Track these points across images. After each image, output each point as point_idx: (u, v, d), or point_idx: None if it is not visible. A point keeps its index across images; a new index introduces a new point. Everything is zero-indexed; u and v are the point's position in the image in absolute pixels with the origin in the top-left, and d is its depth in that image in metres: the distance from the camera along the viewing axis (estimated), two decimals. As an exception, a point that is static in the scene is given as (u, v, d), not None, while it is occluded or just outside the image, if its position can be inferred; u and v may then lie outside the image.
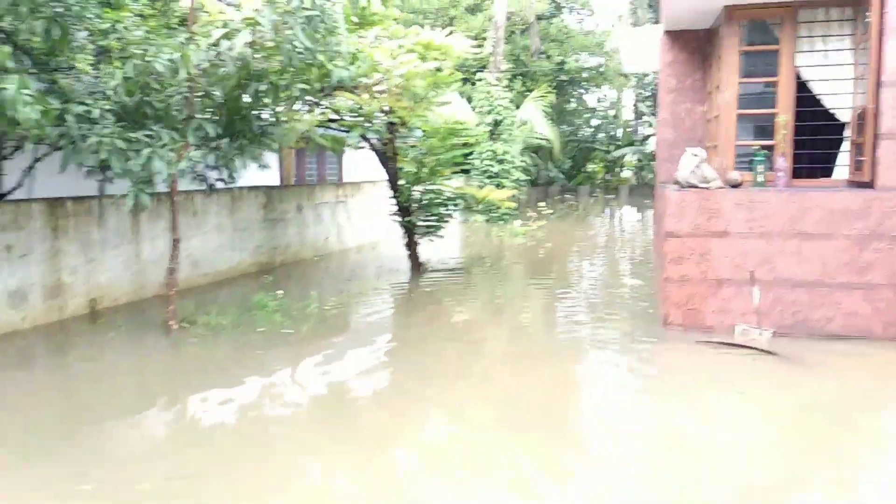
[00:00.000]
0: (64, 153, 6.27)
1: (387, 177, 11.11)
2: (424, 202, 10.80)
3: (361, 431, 4.79)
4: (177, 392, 5.68)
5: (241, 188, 10.76)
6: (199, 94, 6.71)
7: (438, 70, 10.06)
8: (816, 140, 7.18)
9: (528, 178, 21.50)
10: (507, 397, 5.44)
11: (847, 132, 7.06)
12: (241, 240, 10.90)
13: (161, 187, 7.09)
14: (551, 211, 20.95)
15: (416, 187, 10.79)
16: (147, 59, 6.03)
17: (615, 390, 5.67)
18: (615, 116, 36.69)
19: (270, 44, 6.72)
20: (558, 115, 28.61)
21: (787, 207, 6.70)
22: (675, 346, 6.63)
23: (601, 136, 35.79)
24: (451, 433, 4.80)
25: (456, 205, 11.00)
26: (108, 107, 6.35)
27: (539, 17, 22.94)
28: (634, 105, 33.21)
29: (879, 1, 6.29)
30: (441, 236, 11.41)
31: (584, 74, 26.51)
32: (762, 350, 6.35)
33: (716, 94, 7.79)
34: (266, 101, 7.60)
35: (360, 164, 16.48)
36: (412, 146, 10.70)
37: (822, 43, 7.00)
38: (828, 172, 7.23)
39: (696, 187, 6.98)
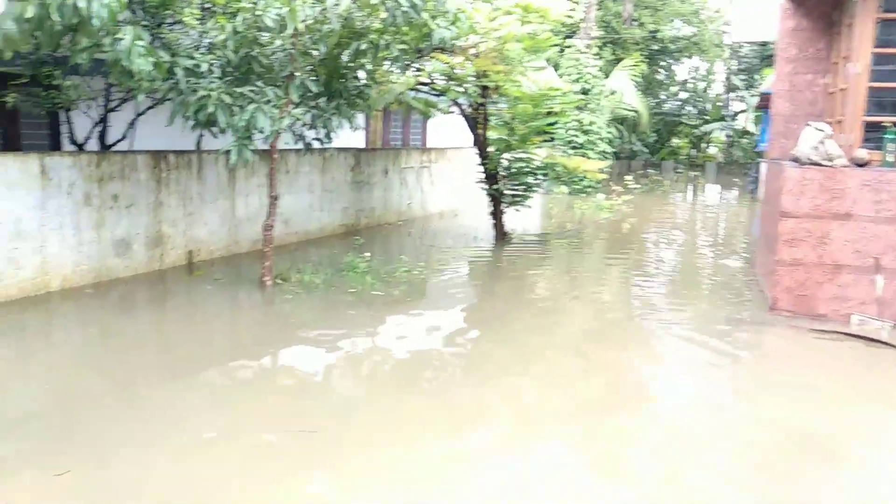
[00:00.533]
0: (173, 106, 6.34)
1: (474, 143, 10.92)
2: (513, 170, 10.55)
3: (453, 399, 4.70)
4: (277, 345, 5.74)
5: (331, 149, 10.77)
6: (301, 51, 6.65)
7: (535, 34, 9.75)
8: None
9: (613, 150, 20.83)
10: (601, 379, 5.25)
11: None
12: (330, 201, 10.95)
13: (257, 144, 7.13)
14: (637, 185, 20.30)
15: (504, 155, 10.55)
16: (257, 13, 5.98)
17: (722, 380, 5.38)
18: (704, 90, 35.15)
19: (375, 0, 6.58)
20: (647, 86, 27.60)
21: (922, 190, 6.16)
22: (785, 334, 6.25)
23: (688, 109, 34.40)
24: (536, 410, 4.65)
25: (545, 174, 10.71)
26: (214, 61, 6.37)
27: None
28: (727, 78, 31.65)
29: None
30: (528, 206, 11.17)
31: (678, 44, 25.35)
32: (883, 343, 5.92)
33: (842, 65, 7.22)
34: (364, 60, 7.49)
35: (444, 129, 16.34)
36: (504, 112, 10.43)
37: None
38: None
39: (819, 165, 6.50)
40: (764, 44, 30.84)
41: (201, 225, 8.56)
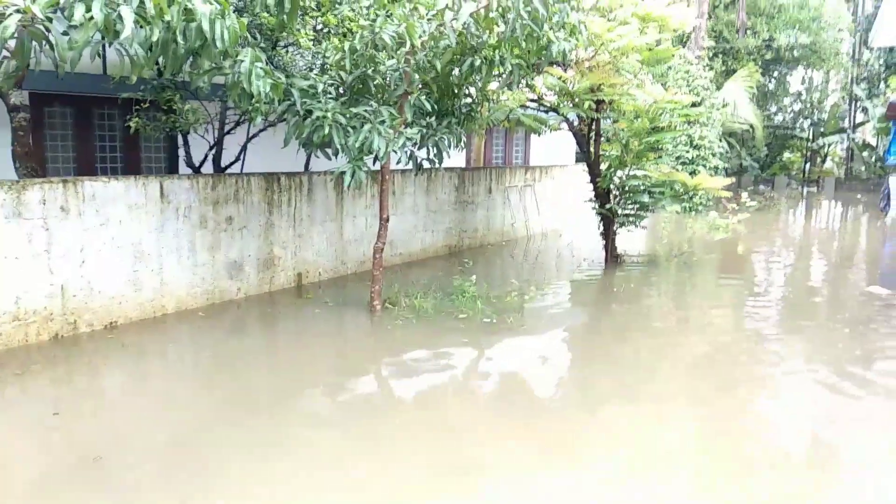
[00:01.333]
0: (287, 128, 6.26)
1: (584, 161, 10.45)
2: (627, 189, 9.99)
3: (556, 433, 4.27)
4: (396, 374, 5.50)
5: (436, 169, 10.57)
6: (415, 68, 6.44)
7: (657, 43, 9.22)
8: None
9: (725, 165, 19.76)
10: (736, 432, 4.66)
11: None
12: (434, 221, 10.74)
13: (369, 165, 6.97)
14: (751, 202, 19.13)
15: (619, 172, 10.00)
16: (375, 30, 5.81)
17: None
18: (820, 101, 33.05)
19: (493, 13, 6.29)
20: (761, 97, 26.21)
21: None
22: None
23: (802, 122, 32.41)
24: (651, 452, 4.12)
25: (662, 193, 10.06)
26: (329, 82, 6.25)
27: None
28: (846, 88, 29.59)
29: None
30: (643, 226, 10.57)
31: (795, 53, 23.82)
32: None
33: None
34: (477, 77, 7.21)
35: (546, 147, 15.92)
36: (618, 127, 9.91)
37: None
38: None
39: None
40: (891, 50, 28.72)
41: (310, 247, 8.50)
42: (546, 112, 10.81)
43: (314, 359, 5.92)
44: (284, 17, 6.02)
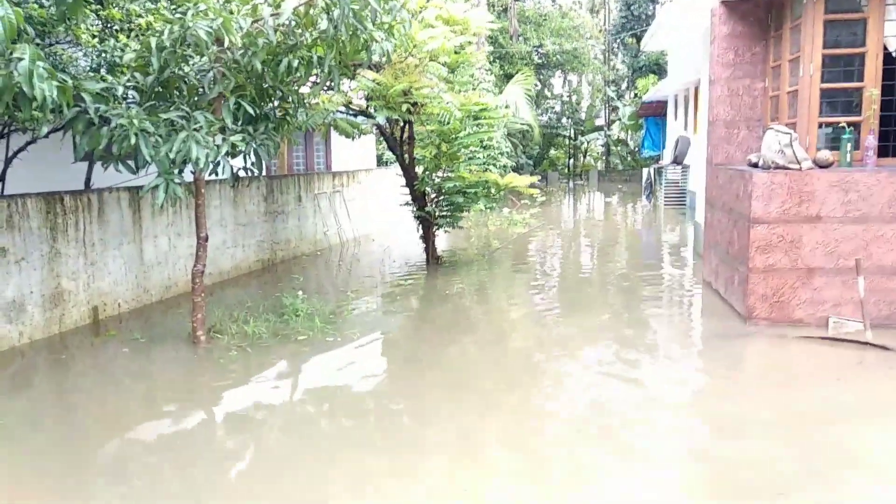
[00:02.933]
0: (81, 139, 5.25)
1: (400, 164, 10.29)
2: (444, 191, 9.98)
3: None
4: (234, 411, 4.79)
5: (244, 179, 9.75)
6: (232, 69, 5.74)
7: (462, 47, 9.29)
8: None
9: (512, 164, 20.83)
10: (579, 418, 4.75)
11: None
12: (244, 235, 9.90)
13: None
14: (542, 197, 20.33)
15: (435, 175, 9.97)
16: (187, 25, 5.05)
17: (738, 398, 5.03)
18: (578, 102, 36.35)
19: (315, 10, 5.81)
20: (534, 100, 28.09)
21: (887, 189, 6.18)
22: (778, 344, 6.04)
23: (564, 121, 35.42)
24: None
25: (475, 193, 10.21)
26: (128, 84, 5.35)
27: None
28: (602, 90, 32.76)
29: None
30: (460, 227, 10.65)
31: (560, 58, 25.89)
32: (871, 344, 5.82)
33: (785, 68, 7.22)
34: (294, 78, 6.68)
35: (348, 152, 15.56)
36: (431, 130, 9.86)
37: (911, 10, 6.48)
38: (913, 151, 6.75)
39: (786, 168, 6.39)
40: (636, 54, 32.33)
41: (105, 275, 7.33)
42: (355, 115, 10.48)
43: (129, 410, 4.99)
44: (66, 9, 5.06)
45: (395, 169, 16.26)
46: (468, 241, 13.27)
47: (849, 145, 6.54)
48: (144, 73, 5.89)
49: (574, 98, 35.84)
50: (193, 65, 5.59)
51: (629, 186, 28.38)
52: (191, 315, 6.33)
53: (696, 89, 17.97)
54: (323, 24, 5.92)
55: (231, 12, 5.30)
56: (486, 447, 4.21)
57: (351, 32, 5.93)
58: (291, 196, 11.28)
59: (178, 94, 6.16)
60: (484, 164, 18.85)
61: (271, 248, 10.62)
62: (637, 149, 33.41)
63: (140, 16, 6.97)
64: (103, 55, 6.35)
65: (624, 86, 35.63)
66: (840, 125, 6.63)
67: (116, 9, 6.61)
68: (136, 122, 5.03)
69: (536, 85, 31.35)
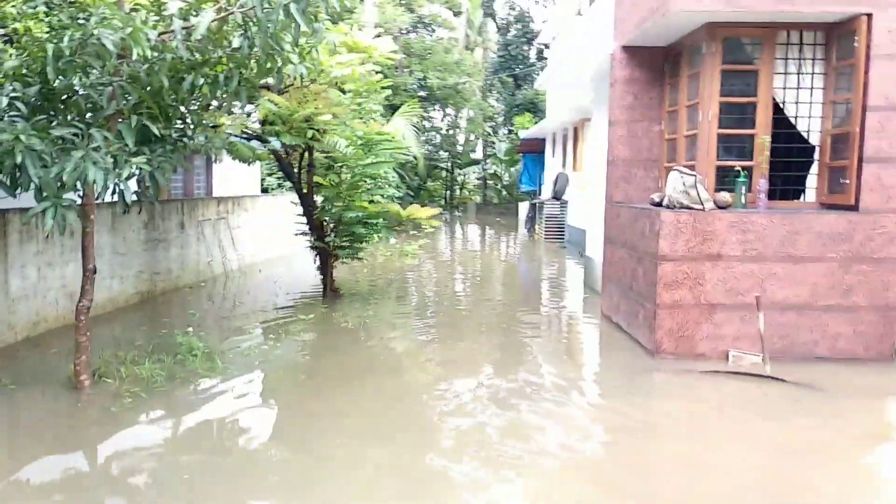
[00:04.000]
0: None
1: (295, 192, 9.90)
2: (344, 221, 9.65)
3: None
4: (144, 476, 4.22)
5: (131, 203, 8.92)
6: (136, 83, 5.19)
7: (369, 74, 9.11)
8: (790, 162, 7.19)
9: (399, 195, 20.74)
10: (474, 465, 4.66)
11: (816, 155, 7.14)
12: (122, 265, 9.04)
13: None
14: (430, 227, 20.31)
15: (335, 204, 9.63)
16: (90, 32, 4.50)
17: (660, 439, 5.10)
18: (454, 135, 37.09)
19: (229, 25, 5.42)
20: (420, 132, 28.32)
21: (779, 229, 6.61)
22: (685, 379, 6.23)
23: (442, 153, 35.97)
24: None
25: (376, 224, 9.97)
26: (12, 94, 4.70)
27: (401, 32, 22.38)
28: (480, 125, 33.60)
29: (867, 27, 6.39)
30: (360, 258, 10.34)
31: (443, 92, 26.30)
32: (771, 377, 6.14)
33: (683, 113, 7.62)
34: (198, 97, 6.21)
35: (231, 176, 14.83)
36: (330, 158, 9.56)
37: (796, 66, 7.04)
38: (797, 194, 7.28)
39: (690, 208, 6.68)
40: (513, 93, 33.52)
41: (-38, 311, 6.39)
42: (248, 139, 9.97)
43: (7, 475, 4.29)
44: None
45: (283, 196, 15.69)
46: (360, 272, 12.93)
47: (743, 188, 6.96)
48: (24, 83, 5.23)
49: (452, 132, 36.54)
50: (91, 77, 4.99)
51: (506, 219, 29.08)
52: (73, 356, 5.60)
53: (576, 129, 18.83)
54: (236, 41, 5.54)
55: (139, 21, 4.79)
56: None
57: (267, 52, 5.57)
58: (174, 223, 10.50)
59: (62, 108, 5.52)
60: (371, 193, 18.71)
61: (151, 280, 9.78)
62: (512, 183, 34.56)
63: (16, 19, 6.22)
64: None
65: (500, 121, 36.85)
66: (735, 169, 7.04)
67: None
68: (22, 138, 4.40)
69: (421, 118, 31.72)
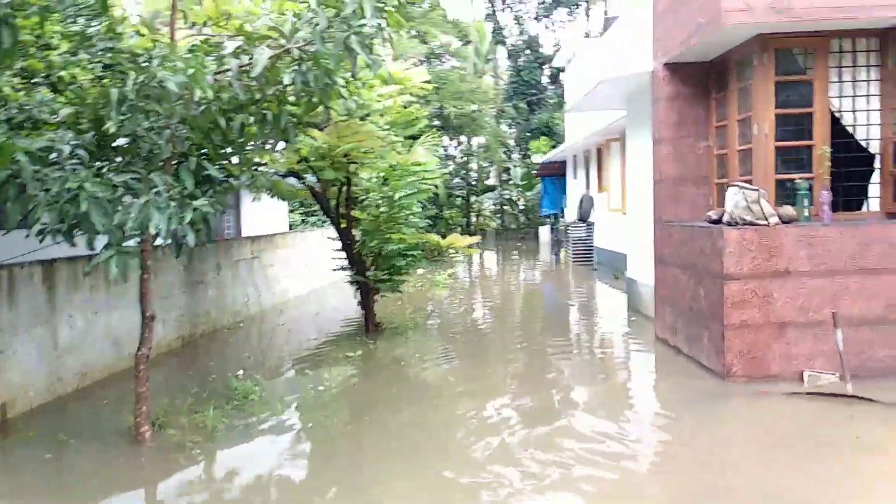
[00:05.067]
0: (12, 206, 4.41)
1: (335, 227, 9.76)
2: (384, 253, 9.50)
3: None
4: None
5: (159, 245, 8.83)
6: (197, 126, 5.10)
7: (405, 107, 9.04)
8: (849, 172, 6.98)
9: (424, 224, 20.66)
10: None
11: (877, 163, 6.94)
12: (164, 309, 8.90)
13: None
14: (458, 257, 20.19)
15: (374, 237, 9.49)
16: (154, 74, 4.41)
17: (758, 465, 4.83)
18: (468, 163, 37.05)
19: (284, 62, 5.33)
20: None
21: (849, 242, 6.38)
22: (767, 402, 5.95)
23: (457, 181, 35.90)
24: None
25: (415, 255, 9.82)
26: (73, 142, 4.60)
27: (418, 62, 22.50)
28: (495, 152, 33.54)
29: (927, 31, 6.23)
30: (400, 291, 10.16)
31: (460, 121, 26.33)
32: (855, 397, 5.85)
33: (733, 127, 7.44)
34: (247, 136, 6.10)
35: (261, 215, 14.80)
36: (370, 192, 9.44)
37: (850, 73, 6.87)
38: (860, 204, 7.06)
39: (754, 224, 6.47)
40: (527, 118, 33.53)
41: (14, 366, 6.24)
42: (283, 177, 9.88)
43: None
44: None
45: (311, 232, 15.63)
46: (394, 304, 12.74)
47: (805, 201, 6.75)
48: (77, 130, 5.15)
49: (467, 159, 36.53)
50: (150, 120, 4.89)
51: (526, 244, 28.87)
52: (128, 406, 5.43)
53: (600, 149, 18.70)
54: (286, 77, 5.43)
55: (199, 63, 4.70)
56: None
57: (321, 88, 5.46)
58: (210, 264, 10.39)
59: (114, 153, 5.43)
60: (408, 224, 18.67)
61: (191, 322, 9.64)
62: (530, 208, 34.44)
63: (63, 67, 6.18)
64: (23, 110, 5.51)
65: (513, 147, 36.82)
66: (795, 181, 6.84)
67: (37, 59, 5.80)
68: (87, 185, 4.28)
69: (441, 146, 31.75)
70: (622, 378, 7.48)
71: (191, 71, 4.50)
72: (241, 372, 7.28)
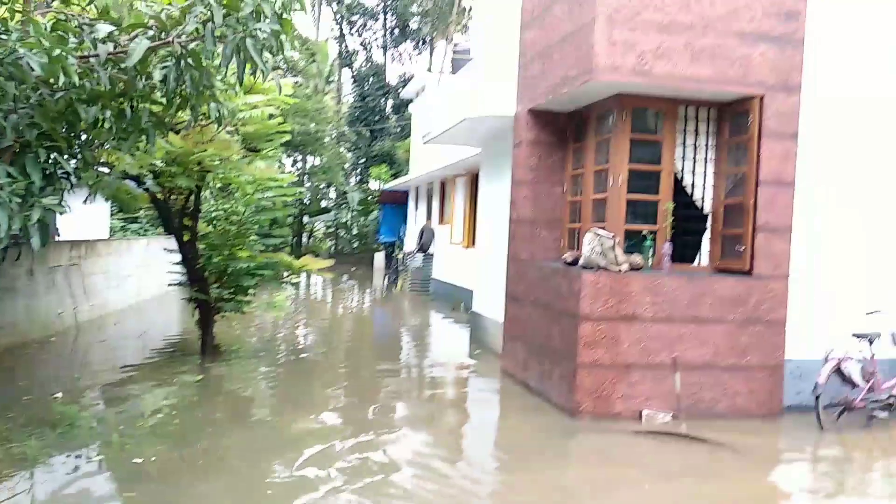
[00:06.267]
0: None
1: (176, 239, 9.00)
2: (230, 271, 8.93)
3: None
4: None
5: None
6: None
7: (270, 117, 8.64)
8: (685, 228, 7.66)
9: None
10: None
11: (709, 222, 7.68)
12: (-37, 317, 7.70)
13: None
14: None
15: (220, 253, 8.91)
16: (14, 49, 3.77)
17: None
18: (303, 183, 36.32)
19: (157, 56, 4.85)
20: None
21: (686, 292, 6.97)
22: (616, 439, 6.29)
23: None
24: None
25: (263, 275, 9.32)
26: None
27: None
28: (332, 174, 33.18)
29: (759, 108, 7.04)
30: (243, 311, 9.56)
31: (300, 138, 25.73)
32: (689, 436, 6.36)
33: (589, 177, 7.90)
34: (100, 131, 5.47)
35: (74, 218, 13.34)
36: (220, 205, 8.87)
37: (693, 138, 7.58)
38: (692, 258, 7.76)
39: (606, 269, 6.88)
40: (370, 144, 33.58)
41: None
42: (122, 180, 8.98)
43: None
44: None
45: (138, 241, 14.37)
46: (229, 325, 12.00)
47: (650, 251, 7.31)
48: None
49: (303, 179, 35.79)
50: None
51: (361, 268, 28.71)
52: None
53: (444, 183, 19.15)
54: (158, 73, 4.95)
55: (63, 44, 4.12)
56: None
57: (198, 88, 5.04)
58: (22, 269, 9.16)
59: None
60: (259, 242, 17.78)
61: (-6, 334, 8.41)
62: (364, 233, 34.35)
63: None
64: None
65: (350, 171, 36.65)
66: (642, 233, 7.39)
67: None
68: None
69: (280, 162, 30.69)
70: (473, 410, 7.56)
71: (57, 51, 3.94)
72: (59, 394, 6.43)
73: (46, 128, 4.55)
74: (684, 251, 7.74)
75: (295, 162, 36.44)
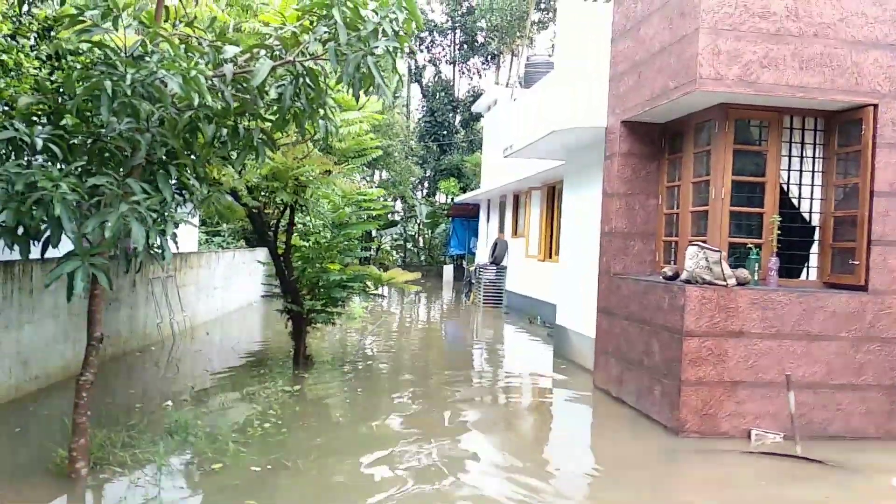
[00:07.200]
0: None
1: (270, 252, 9.24)
2: (323, 283, 9.09)
3: None
4: None
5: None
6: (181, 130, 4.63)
7: (364, 133, 8.79)
8: (791, 241, 7.38)
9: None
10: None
11: (817, 235, 7.38)
12: (78, 328, 8.03)
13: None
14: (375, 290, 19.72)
15: (313, 266, 9.08)
16: (152, 70, 3.95)
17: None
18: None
19: (275, 74, 4.99)
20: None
21: (796, 308, 6.71)
22: (725, 458, 6.07)
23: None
24: None
25: (353, 288, 9.45)
26: (44, 135, 4.05)
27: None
28: (400, 188, 33.56)
29: (872, 117, 6.74)
30: (335, 323, 9.71)
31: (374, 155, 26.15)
32: (806, 458, 6.09)
33: (687, 189, 7.71)
34: (216, 149, 5.66)
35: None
36: (314, 218, 9.05)
37: (799, 149, 7.32)
38: (799, 273, 7.47)
39: (712, 284, 6.68)
40: (438, 158, 33.84)
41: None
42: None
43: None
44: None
45: (226, 253, 14.82)
46: (314, 336, 12.21)
47: (756, 265, 7.06)
48: (30, 122, 4.56)
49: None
50: (129, 122, 4.39)
51: (430, 280, 28.83)
52: (69, 440, 4.77)
53: (517, 196, 19.08)
54: (273, 91, 5.09)
55: (200, 65, 4.30)
56: None
57: (313, 106, 5.17)
58: (126, 280, 9.55)
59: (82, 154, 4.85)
60: (348, 255, 18.15)
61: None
62: (433, 246, 34.59)
63: (5, 51, 5.53)
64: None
65: (417, 185, 37.02)
66: (747, 246, 7.15)
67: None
68: (65, 186, 3.76)
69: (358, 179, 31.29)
70: (568, 429, 7.44)
71: (193, 73, 4.09)
72: (170, 402, 6.64)
73: (173, 145, 4.72)
74: (789, 265, 7.46)
75: (365, 177, 37.16)
